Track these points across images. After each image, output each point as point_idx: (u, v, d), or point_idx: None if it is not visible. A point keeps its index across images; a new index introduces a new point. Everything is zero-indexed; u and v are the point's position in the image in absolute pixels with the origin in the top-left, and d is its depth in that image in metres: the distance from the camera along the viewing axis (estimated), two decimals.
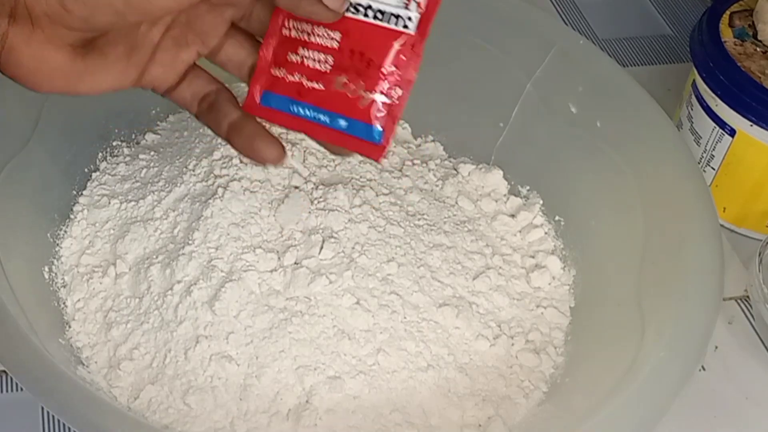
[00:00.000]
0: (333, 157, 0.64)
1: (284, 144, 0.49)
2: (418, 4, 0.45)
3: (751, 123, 0.66)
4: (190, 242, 0.59)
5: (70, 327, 0.59)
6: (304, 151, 0.64)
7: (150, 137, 0.71)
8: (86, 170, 0.67)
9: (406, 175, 0.69)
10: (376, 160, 0.46)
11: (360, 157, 0.68)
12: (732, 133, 0.68)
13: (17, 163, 0.60)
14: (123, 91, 0.69)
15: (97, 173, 0.68)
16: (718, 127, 0.69)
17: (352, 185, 0.63)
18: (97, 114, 0.68)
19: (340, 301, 0.57)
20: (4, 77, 0.46)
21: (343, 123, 0.46)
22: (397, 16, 0.45)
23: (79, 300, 0.60)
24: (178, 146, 0.68)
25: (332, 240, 0.59)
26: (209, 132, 0.68)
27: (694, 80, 0.71)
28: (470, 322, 0.60)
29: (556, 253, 0.66)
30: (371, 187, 0.64)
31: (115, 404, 0.54)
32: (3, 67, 0.44)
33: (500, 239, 0.67)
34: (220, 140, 0.67)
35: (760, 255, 0.64)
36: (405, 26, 0.45)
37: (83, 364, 0.57)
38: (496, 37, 0.71)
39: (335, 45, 0.46)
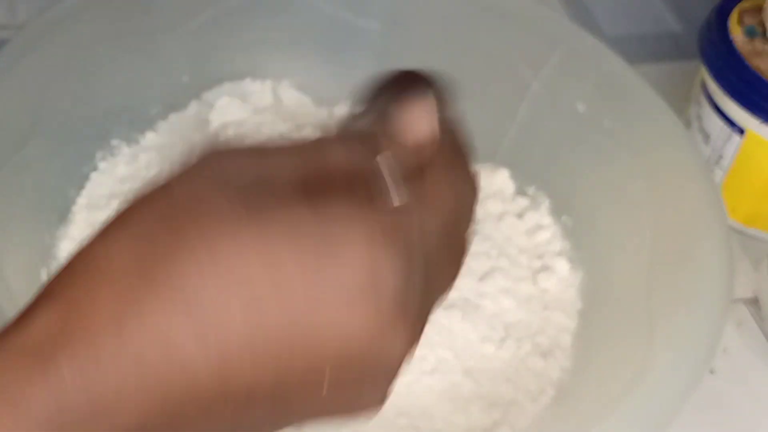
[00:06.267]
0: None
1: None
2: None
3: (760, 122, 0.66)
4: None
5: None
6: None
7: (150, 137, 0.70)
8: (85, 170, 0.67)
9: None
10: None
11: None
12: (741, 132, 0.67)
13: (15, 163, 0.59)
14: (123, 90, 0.69)
15: (97, 173, 0.67)
16: (727, 127, 0.68)
17: None
18: (96, 113, 0.68)
19: None
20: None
21: None
22: None
23: None
24: (179, 146, 0.68)
25: None
26: (210, 132, 0.68)
27: (702, 79, 0.70)
28: (476, 324, 0.60)
29: (564, 255, 0.66)
30: None
31: None
32: None
33: (507, 240, 0.66)
34: (220, 140, 0.66)
35: None
36: None
37: None
38: (502, 34, 0.70)
39: None
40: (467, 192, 0.38)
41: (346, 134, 0.35)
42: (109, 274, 0.30)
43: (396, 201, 0.32)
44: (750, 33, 0.69)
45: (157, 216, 0.31)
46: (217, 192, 0.31)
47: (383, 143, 0.33)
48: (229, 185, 0.31)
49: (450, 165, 0.37)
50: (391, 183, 0.32)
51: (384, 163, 0.32)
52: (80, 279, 0.30)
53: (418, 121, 0.35)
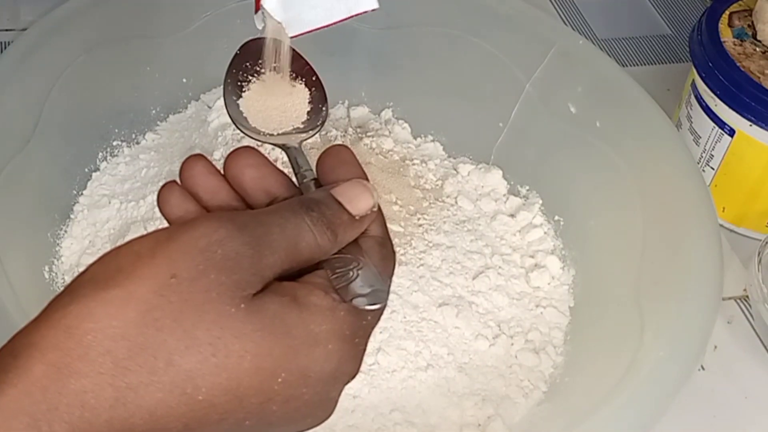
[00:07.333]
0: None
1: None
2: None
3: (750, 123, 0.66)
4: None
5: None
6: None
7: (150, 137, 0.71)
8: (86, 170, 0.68)
9: (406, 175, 0.69)
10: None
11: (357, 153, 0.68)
12: (731, 132, 0.68)
13: (18, 163, 0.60)
14: (123, 92, 0.69)
15: (98, 173, 0.68)
16: (717, 127, 0.69)
17: None
18: (97, 114, 0.68)
19: None
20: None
21: None
22: None
23: None
24: (178, 146, 0.68)
25: None
26: (210, 132, 0.69)
27: (693, 80, 0.71)
28: (470, 321, 0.60)
29: (556, 253, 0.66)
30: None
31: None
32: None
33: (500, 239, 0.67)
34: (220, 140, 0.67)
35: (759, 255, 0.64)
36: None
37: None
38: (496, 37, 0.71)
39: None
40: None
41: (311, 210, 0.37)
42: (111, 353, 0.32)
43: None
44: (740, 35, 0.69)
45: (164, 301, 0.33)
46: (216, 286, 0.33)
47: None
48: (223, 274, 0.33)
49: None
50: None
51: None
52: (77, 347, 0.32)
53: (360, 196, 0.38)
